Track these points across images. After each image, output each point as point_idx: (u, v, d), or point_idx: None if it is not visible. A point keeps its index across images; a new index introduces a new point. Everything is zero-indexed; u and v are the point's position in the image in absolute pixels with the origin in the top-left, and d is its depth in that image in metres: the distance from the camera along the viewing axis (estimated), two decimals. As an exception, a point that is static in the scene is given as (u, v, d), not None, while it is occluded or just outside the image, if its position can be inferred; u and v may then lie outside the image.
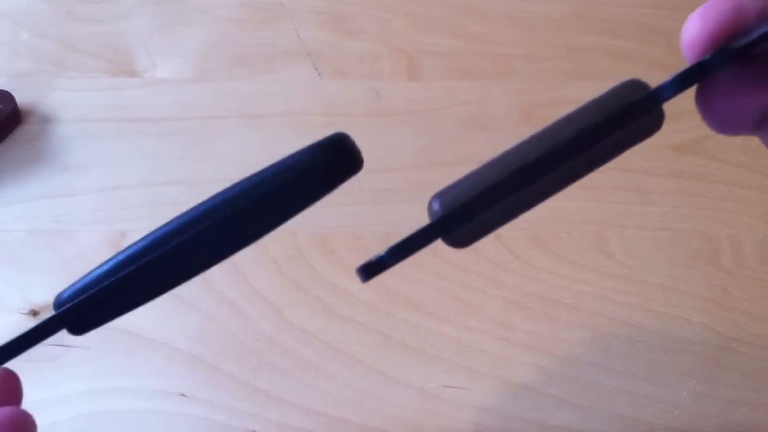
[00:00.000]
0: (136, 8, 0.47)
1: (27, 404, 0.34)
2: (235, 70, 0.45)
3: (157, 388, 0.34)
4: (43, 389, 0.34)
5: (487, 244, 0.38)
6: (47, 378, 0.34)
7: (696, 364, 0.34)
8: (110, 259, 0.22)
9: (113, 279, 0.22)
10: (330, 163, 0.22)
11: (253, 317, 0.36)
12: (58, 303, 0.22)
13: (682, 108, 0.46)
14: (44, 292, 0.37)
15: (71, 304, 0.22)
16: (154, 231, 0.22)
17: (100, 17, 0.47)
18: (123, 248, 0.22)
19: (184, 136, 0.42)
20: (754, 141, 0.42)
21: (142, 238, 0.22)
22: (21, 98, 0.43)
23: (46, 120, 0.43)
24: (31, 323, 0.36)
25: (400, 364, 0.34)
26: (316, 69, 0.44)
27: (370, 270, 0.21)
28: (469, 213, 0.22)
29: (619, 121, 0.21)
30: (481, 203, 0.22)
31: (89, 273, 0.22)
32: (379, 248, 0.40)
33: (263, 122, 0.42)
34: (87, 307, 0.22)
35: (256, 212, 0.22)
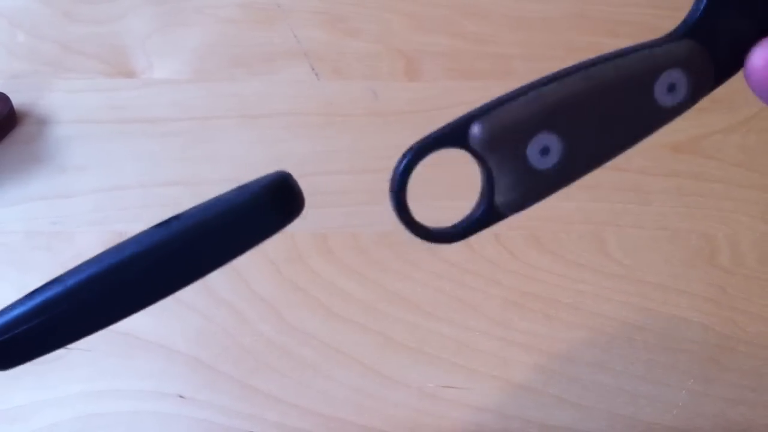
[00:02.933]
0: (134, 9, 0.47)
1: (27, 405, 0.34)
2: (233, 70, 0.44)
3: (156, 389, 0.34)
4: (42, 391, 0.34)
5: (485, 243, 0.38)
6: (46, 380, 0.34)
7: (694, 364, 0.34)
8: (40, 291, 0.21)
9: (43, 318, 0.21)
10: (273, 209, 0.21)
11: (252, 318, 0.36)
12: None
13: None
14: (42, 294, 0.37)
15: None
16: (88, 265, 0.21)
17: (98, 18, 0.47)
18: (55, 279, 0.21)
19: (182, 136, 0.42)
20: (752, 140, 0.43)
21: (77, 270, 0.21)
22: (18, 100, 0.42)
23: (43, 121, 0.42)
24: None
25: (398, 365, 0.34)
26: (314, 69, 0.44)
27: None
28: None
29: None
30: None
31: (10, 306, 0.21)
32: (378, 248, 0.40)
33: (261, 122, 0.42)
34: (13, 345, 0.21)
35: (190, 256, 0.21)
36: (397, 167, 0.21)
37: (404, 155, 0.21)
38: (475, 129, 0.20)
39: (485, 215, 0.20)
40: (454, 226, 0.21)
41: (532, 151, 0.20)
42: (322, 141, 0.42)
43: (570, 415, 0.33)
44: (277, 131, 0.42)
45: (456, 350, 0.35)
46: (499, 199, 0.20)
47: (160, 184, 0.40)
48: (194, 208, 0.22)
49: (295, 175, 0.45)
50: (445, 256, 0.37)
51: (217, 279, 0.37)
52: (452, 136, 0.21)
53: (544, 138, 0.20)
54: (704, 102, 0.46)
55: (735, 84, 0.47)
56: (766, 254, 0.37)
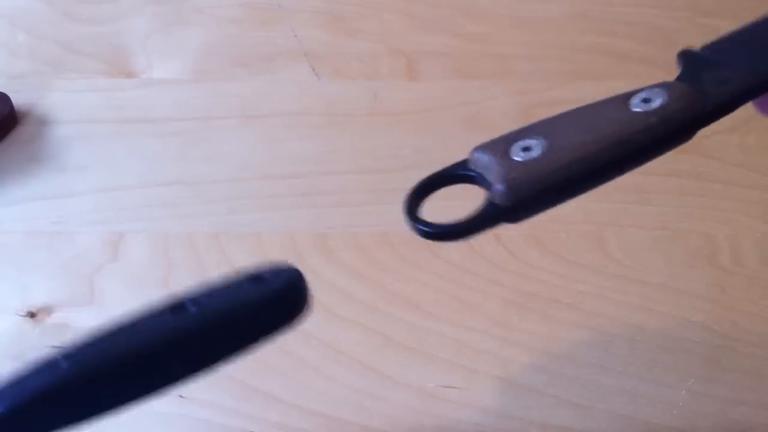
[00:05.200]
0: (134, 9, 0.47)
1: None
2: (234, 70, 0.44)
3: (156, 389, 0.34)
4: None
5: (485, 243, 0.38)
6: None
7: (695, 364, 0.34)
8: (34, 375, 0.19)
9: (35, 410, 0.19)
10: (288, 308, 0.21)
11: (252, 318, 0.36)
12: None
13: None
14: (43, 294, 0.37)
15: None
16: (92, 348, 0.19)
17: (98, 18, 0.47)
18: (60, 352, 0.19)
19: (183, 136, 0.42)
20: (752, 140, 0.43)
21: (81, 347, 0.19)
22: (18, 99, 0.42)
23: (43, 121, 0.42)
24: (28, 325, 0.36)
25: (399, 364, 0.34)
26: (314, 69, 0.44)
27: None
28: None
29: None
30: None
31: (26, 376, 0.19)
32: (378, 248, 0.40)
33: (262, 122, 0.42)
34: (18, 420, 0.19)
35: (199, 350, 0.21)
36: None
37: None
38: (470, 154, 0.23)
39: (486, 211, 0.22)
40: (457, 224, 0.22)
41: (515, 150, 0.22)
42: (322, 141, 0.42)
43: (570, 415, 0.33)
44: (278, 131, 0.42)
45: (456, 350, 0.35)
46: (496, 195, 0.22)
47: (161, 184, 0.40)
48: (205, 294, 0.20)
49: (296, 175, 0.46)
50: (445, 256, 0.37)
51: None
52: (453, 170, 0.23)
53: (525, 142, 0.23)
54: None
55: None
56: (767, 254, 0.37)
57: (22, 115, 0.43)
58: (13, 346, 0.35)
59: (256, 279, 0.21)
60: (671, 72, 0.46)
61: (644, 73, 0.43)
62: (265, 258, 0.38)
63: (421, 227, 0.22)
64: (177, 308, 0.20)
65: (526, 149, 0.22)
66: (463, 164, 0.23)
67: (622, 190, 0.40)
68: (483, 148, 0.23)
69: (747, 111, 0.43)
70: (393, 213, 0.39)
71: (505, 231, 0.38)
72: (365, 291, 0.36)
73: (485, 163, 0.22)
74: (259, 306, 0.21)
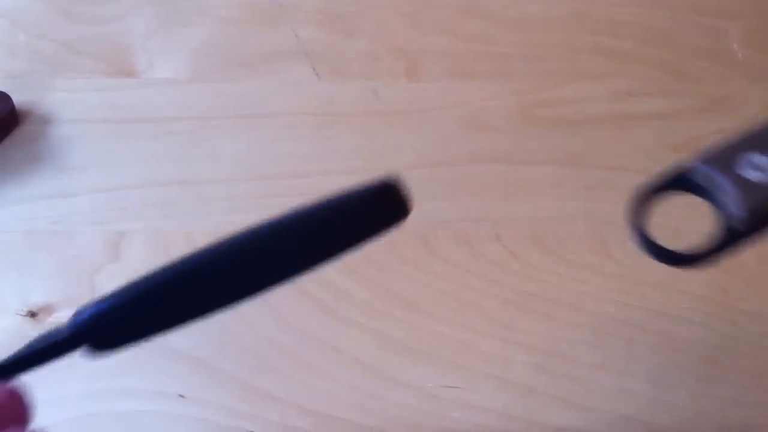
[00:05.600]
0: (135, 9, 0.47)
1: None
2: (234, 70, 0.44)
3: (156, 389, 0.34)
4: (41, 391, 0.34)
5: (485, 243, 0.38)
6: (46, 379, 0.34)
7: (695, 364, 0.34)
8: (151, 273, 0.20)
9: (146, 293, 0.20)
10: (378, 214, 0.21)
11: (252, 318, 0.36)
12: (79, 319, 0.20)
13: (681, 108, 0.46)
14: (43, 293, 0.37)
15: (94, 318, 0.19)
16: (200, 250, 0.20)
17: (99, 18, 0.47)
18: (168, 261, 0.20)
19: (183, 136, 0.42)
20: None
21: (189, 254, 0.20)
22: (19, 99, 0.42)
23: (44, 121, 0.43)
24: (29, 324, 0.36)
25: (399, 364, 0.34)
26: (314, 69, 0.44)
27: None
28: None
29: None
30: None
31: (117, 288, 0.20)
32: (378, 248, 0.40)
33: (262, 122, 0.42)
34: (112, 325, 0.20)
35: (298, 247, 0.21)
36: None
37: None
38: (694, 163, 0.22)
39: (726, 237, 0.22)
40: (699, 250, 0.21)
41: (743, 166, 0.21)
42: (322, 141, 0.42)
43: (570, 415, 0.33)
44: (278, 131, 0.42)
45: (456, 350, 0.35)
46: (730, 218, 0.21)
47: (161, 184, 0.40)
48: (304, 205, 0.22)
49: (296, 175, 0.46)
50: (445, 256, 0.37)
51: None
52: (674, 180, 0.23)
53: (754, 157, 0.22)
54: (704, 102, 0.46)
55: (735, 83, 0.47)
56: (767, 255, 0.37)
57: (23, 114, 0.43)
58: (14, 345, 0.35)
59: (350, 190, 0.21)
60: (671, 72, 0.46)
61: (644, 73, 0.43)
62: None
63: (654, 251, 0.22)
64: (272, 219, 0.21)
65: (756, 168, 0.21)
66: (684, 172, 0.23)
67: (623, 190, 0.40)
68: (708, 161, 0.22)
69: (747, 111, 0.43)
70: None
71: (506, 231, 0.38)
72: (365, 291, 0.36)
73: (714, 180, 0.22)
74: (354, 203, 0.21)
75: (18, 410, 0.20)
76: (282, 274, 0.21)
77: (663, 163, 0.41)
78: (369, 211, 0.21)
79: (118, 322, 0.20)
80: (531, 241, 0.38)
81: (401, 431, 0.33)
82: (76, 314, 0.20)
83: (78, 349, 0.20)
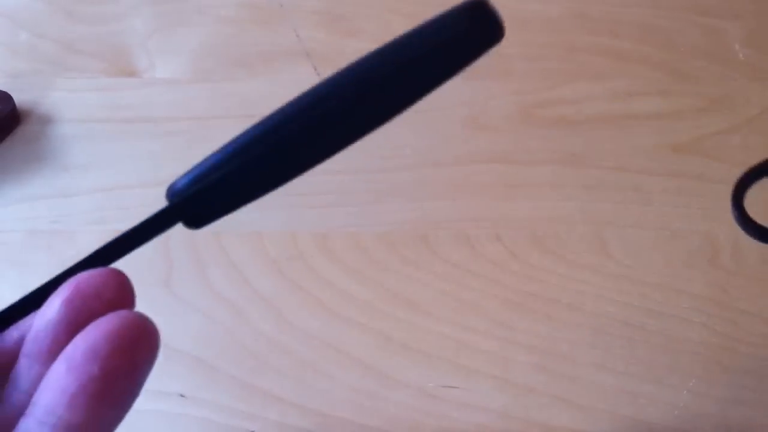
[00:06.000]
0: (135, 8, 0.47)
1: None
2: (235, 70, 0.44)
3: (157, 388, 0.34)
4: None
5: (486, 243, 0.38)
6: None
7: (695, 364, 0.34)
8: (236, 138, 0.20)
9: (238, 159, 0.19)
10: (470, 32, 0.20)
11: (253, 317, 0.36)
12: (173, 193, 0.20)
13: (681, 108, 0.46)
14: (43, 293, 0.37)
15: (189, 193, 0.19)
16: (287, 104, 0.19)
17: (99, 17, 0.47)
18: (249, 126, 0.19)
19: (184, 136, 0.42)
20: (753, 141, 0.43)
21: (268, 116, 0.20)
22: (20, 99, 0.42)
23: (45, 120, 0.43)
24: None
25: (399, 364, 0.34)
26: (315, 69, 0.44)
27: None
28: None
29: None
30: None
31: (206, 159, 0.20)
32: (378, 248, 0.40)
33: (262, 122, 0.42)
34: (206, 196, 0.19)
35: (395, 81, 0.20)
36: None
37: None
38: None
39: None
40: None
41: None
42: (323, 141, 0.42)
43: (571, 415, 0.33)
44: (278, 131, 0.42)
45: (456, 350, 0.35)
46: None
47: (162, 184, 0.40)
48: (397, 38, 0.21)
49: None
50: (445, 256, 0.37)
51: (218, 278, 0.37)
52: None
53: None
54: (705, 102, 0.46)
55: (735, 83, 0.47)
56: (767, 254, 0.37)
57: (23, 114, 0.43)
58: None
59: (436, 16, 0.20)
60: (671, 72, 0.46)
61: (644, 73, 0.43)
62: (265, 258, 0.38)
63: (756, 232, 0.21)
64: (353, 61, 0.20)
65: None
66: None
67: (623, 190, 0.40)
68: None
69: (748, 111, 0.43)
70: (393, 213, 0.39)
71: (506, 231, 0.38)
72: (365, 291, 0.36)
73: None
74: (440, 25, 0.20)
75: (124, 293, 0.20)
76: (384, 111, 0.21)
77: (663, 163, 0.41)
78: (466, 33, 0.21)
79: (216, 197, 0.19)
80: (531, 241, 0.38)
81: (401, 431, 0.33)
82: (170, 187, 0.20)
83: (172, 224, 0.20)
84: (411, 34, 0.21)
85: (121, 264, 0.40)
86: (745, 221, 0.20)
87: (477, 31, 0.21)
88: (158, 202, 0.44)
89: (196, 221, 0.20)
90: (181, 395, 0.34)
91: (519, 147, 0.41)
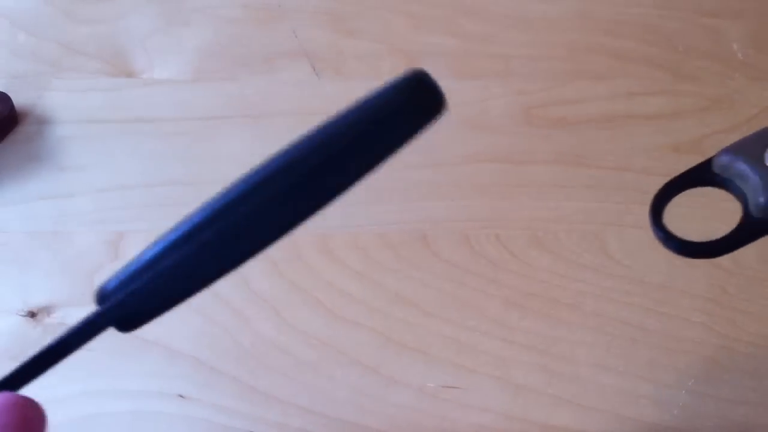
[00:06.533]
0: (135, 8, 0.47)
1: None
2: (234, 70, 0.44)
3: (156, 389, 0.34)
4: (41, 390, 0.34)
5: (485, 243, 0.38)
6: (46, 379, 0.34)
7: (695, 364, 0.34)
8: (160, 240, 0.19)
9: (170, 262, 0.18)
10: (412, 105, 0.19)
11: (252, 318, 0.36)
12: (103, 296, 0.19)
13: (682, 108, 0.46)
14: (43, 294, 0.37)
15: (118, 298, 0.18)
16: (212, 200, 0.18)
17: (99, 17, 0.47)
18: (173, 227, 0.18)
19: (184, 136, 0.42)
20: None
21: (199, 210, 0.18)
22: (19, 99, 0.42)
23: (44, 121, 0.42)
24: (29, 324, 0.36)
25: (399, 364, 0.34)
26: (315, 69, 0.44)
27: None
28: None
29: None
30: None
31: (135, 259, 0.19)
32: (378, 248, 0.40)
33: (263, 122, 0.42)
34: (138, 301, 0.18)
35: (327, 170, 0.19)
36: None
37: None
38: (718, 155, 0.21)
39: (745, 226, 0.21)
40: (714, 241, 0.20)
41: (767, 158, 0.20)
42: (322, 141, 0.42)
43: (570, 415, 0.33)
44: (279, 131, 0.42)
45: (456, 350, 0.35)
46: (754, 208, 0.20)
47: (161, 184, 0.40)
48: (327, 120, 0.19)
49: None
50: (445, 256, 0.37)
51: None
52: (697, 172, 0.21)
53: None
54: (705, 102, 0.46)
55: (735, 83, 0.47)
56: (767, 254, 0.37)
57: (22, 114, 0.43)
58: (14, 345, 0.36)
59: (374, 91, 0.19)
60: (671, 72, 0.46)
61: (644, 73, 0.43)
62: (264, 258, 0.37)
63: (671, 243, 0.21)
64: (293, 142, 0.19)
65: None
66: (707, 166, 0.22)
67: (623, 190, 0.40)
68: (733, 151, 0.21)
69: (748, 111, 0.43)
70: (393, 213, 0.39)
71: (506, 231, 0.38)
72: (365, 291, 0.36)
73: (738, 170, 0.21)
74: (378, 108, 0.19)
75: (28, 425, 0.19)
76: (313, 203, 0.20)
77: (663, 163, 0.41)
78: (405, 110, 0.19)
79: (144, 302, 0.19)
80: (531, 241, 0.38)
81: (401, 431, 0.33)
82: (99, 297, 0.19)
83: (103, 329, 0.19)
84: (349, 113, 0.20)
85: (120, 264, 0.39)
86: (666, 236, 0.20)
87: (416, 107, 0.19)
88: (158, 202, 0.44)
89: (128, 326, 0.19)
90: (181, 396, 0.34)
91: (519, 147, 0.41)
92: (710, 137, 0.41)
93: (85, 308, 0.38)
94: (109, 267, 0.37)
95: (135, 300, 0.18)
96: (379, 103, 0.19)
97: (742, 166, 0.21)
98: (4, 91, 0.42)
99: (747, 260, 0.37)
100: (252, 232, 0.19)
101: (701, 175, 0.22)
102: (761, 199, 0.20)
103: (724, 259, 0.37)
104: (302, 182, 0.19)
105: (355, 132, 0.19)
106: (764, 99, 0.42)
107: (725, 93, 0.43)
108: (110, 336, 0.35)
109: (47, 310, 0.36)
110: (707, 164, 0.22)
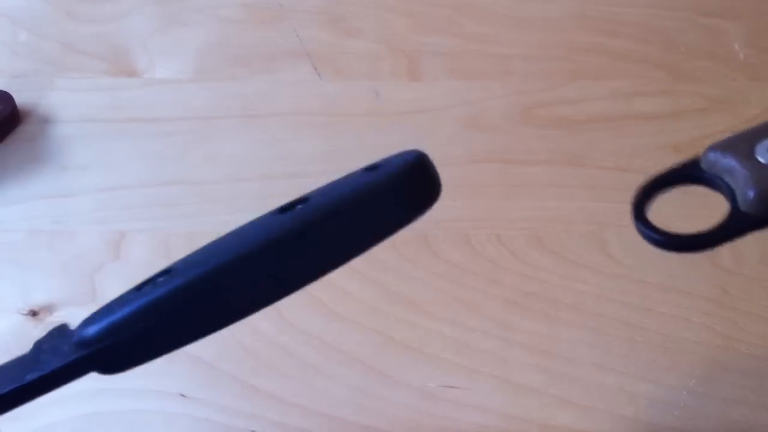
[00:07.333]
0: (136, 8, 0.47)
1: (27, 405, 0.34)
2: (235, 70, 0.45)
3: (157, 388, 0.34)
4: (42, 389, 0.34)
5: (486, 243, 0.38)
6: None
7: (695, 364, 0.34)
8: (148, 283, 0.18)
9: (152, 322, 0.18)
10: (408, 196, 0.18)
11: (253, 317, 0.36)
12: (84, 341, 0.18)
13: (682, 108, 0.46)
14: (44, 293, 0.37)
15: (102, 344, 0.18)
16: (202, 251, 0.18)
17: (100, 17, 0.47)
18: (162, 269, 0.18)
19: (184, 136, 0.42)
20: (753, 141, 0.42)
21: (191, 255, 0.18)
22: (20, 98, 0.42)
23: (45, 120, 0.43)
24: (30, 323, 0.36)
25: (399, 364, 0.34)
26: (316, 69, 0.44)
27: None
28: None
29: None
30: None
31: (118, 302, 0.19)
32: (378, 248, 0.39)
33: (263, 122, 0.42)
34: (121, 348, 0.18)
35: (312, 249, 0.19)
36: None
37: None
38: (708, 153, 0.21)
39: (732, 220, 0.20)
40: (698, 235, 0.20)
41: (761, 151, 0.20)
42: (323, 141, 0.42)
43: (571, 415, 0.33)
44: (279, 131, 0.42)
45: (456, 350, 0.35)
46: (743, 202, 0.20)
47: (162, 184, 0.40)
48: (316, 191, 0.19)
49: (297, 175, 0.46)
50: (446, 256, 0.37)
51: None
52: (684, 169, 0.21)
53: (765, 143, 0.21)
54: (705, 102, 0.46)
55: (735, 83, 0.47)
56: (767, 254, 0.37)
57: (24, 114, 0.43)
58: (15, 345, 0.35)
59: (371, 168, 0.19)
60: (671, 72, 0.46)
61: (644, 73, 0.43)
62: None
63: (653, 236, 0.21)
64: (285, 209, 0.19)
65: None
66: (694, 164, 0.22)
67: (623, 190, 0.39)
68: (721, 147, 0.21)
69: (749, 111, 0.43)
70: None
71: (507, 231, 0.38)
72: (365, 291, 0.36)
73: (726, 166, 0.21)
74: (372, 193, 0.18)
75: None
76: (298, 279, 0.19)
77: (663, 163, 0.41)
78: (398, 200, 0.18)
79: (126, 348, 0.18)
80: (531, 241, 0.38)
81: (401, 431, 0.33)
82: (80, 331, 0.18)
83: (86, 372, 0.19)
84: (344, 198, 0.19)
85: (121, 264, 0.40)
86: (648, 229, 0.20)
87: (413, 202, 0.19)
88: (158, 201, 0.44)
89: (110, 370, 0.19)
90: (182, 395, 0.34)
91: (519, 147, 0.41)
92: (710, 137, 0.41)
93: (86, 307, 0.38)
94: (109, 266, 0.37)
95: (116, 351, 0.18)
96: (376, 192, 0.19)
97: (731, 162, 0.20)
98: (5, 90, 0.42)
99: (747, 260, 0.37)
100: (240, 301, 0.19)
101: (688, 172, 0.22)
102: (751, 193, 0.20)
103: (725, 259, 0.37)
104: (290, 260, 0.19)
105: (348, 221, 0.19)
106: (765, 99, 0.42)
107: (725, 93, 0.43)
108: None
109: (48, 309, 0.36)
110: (695, 162, 0.22)
